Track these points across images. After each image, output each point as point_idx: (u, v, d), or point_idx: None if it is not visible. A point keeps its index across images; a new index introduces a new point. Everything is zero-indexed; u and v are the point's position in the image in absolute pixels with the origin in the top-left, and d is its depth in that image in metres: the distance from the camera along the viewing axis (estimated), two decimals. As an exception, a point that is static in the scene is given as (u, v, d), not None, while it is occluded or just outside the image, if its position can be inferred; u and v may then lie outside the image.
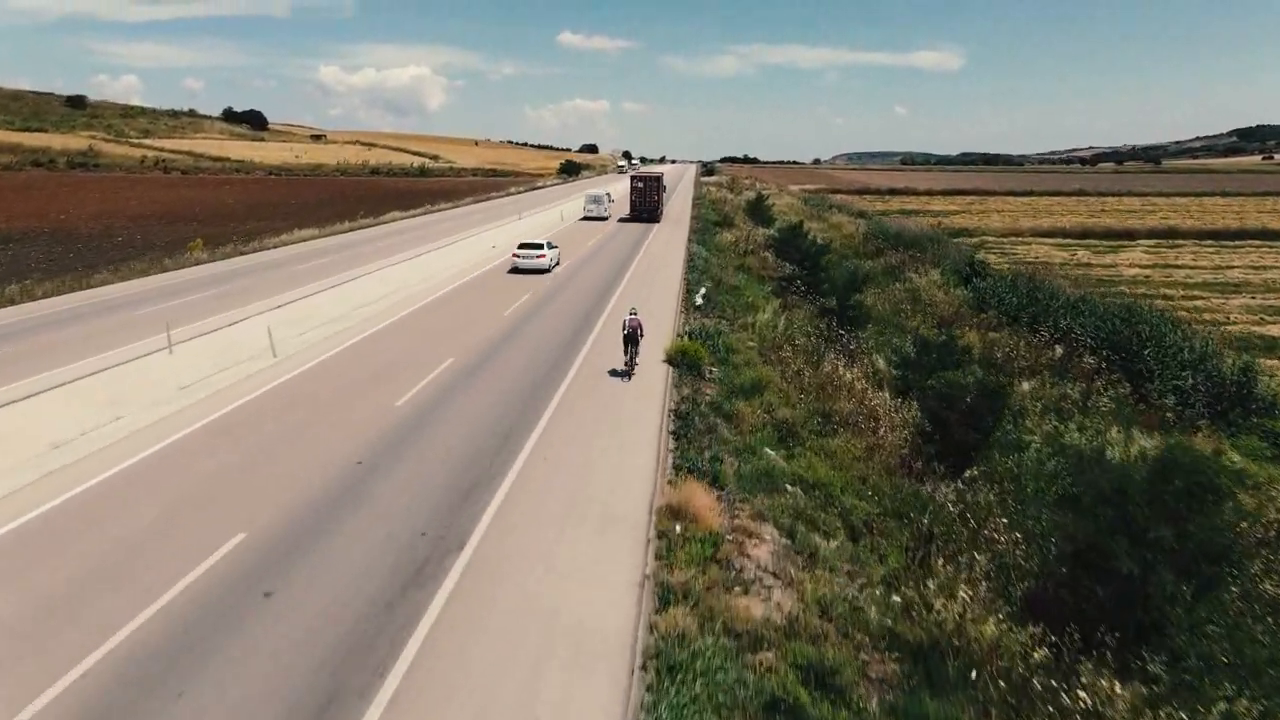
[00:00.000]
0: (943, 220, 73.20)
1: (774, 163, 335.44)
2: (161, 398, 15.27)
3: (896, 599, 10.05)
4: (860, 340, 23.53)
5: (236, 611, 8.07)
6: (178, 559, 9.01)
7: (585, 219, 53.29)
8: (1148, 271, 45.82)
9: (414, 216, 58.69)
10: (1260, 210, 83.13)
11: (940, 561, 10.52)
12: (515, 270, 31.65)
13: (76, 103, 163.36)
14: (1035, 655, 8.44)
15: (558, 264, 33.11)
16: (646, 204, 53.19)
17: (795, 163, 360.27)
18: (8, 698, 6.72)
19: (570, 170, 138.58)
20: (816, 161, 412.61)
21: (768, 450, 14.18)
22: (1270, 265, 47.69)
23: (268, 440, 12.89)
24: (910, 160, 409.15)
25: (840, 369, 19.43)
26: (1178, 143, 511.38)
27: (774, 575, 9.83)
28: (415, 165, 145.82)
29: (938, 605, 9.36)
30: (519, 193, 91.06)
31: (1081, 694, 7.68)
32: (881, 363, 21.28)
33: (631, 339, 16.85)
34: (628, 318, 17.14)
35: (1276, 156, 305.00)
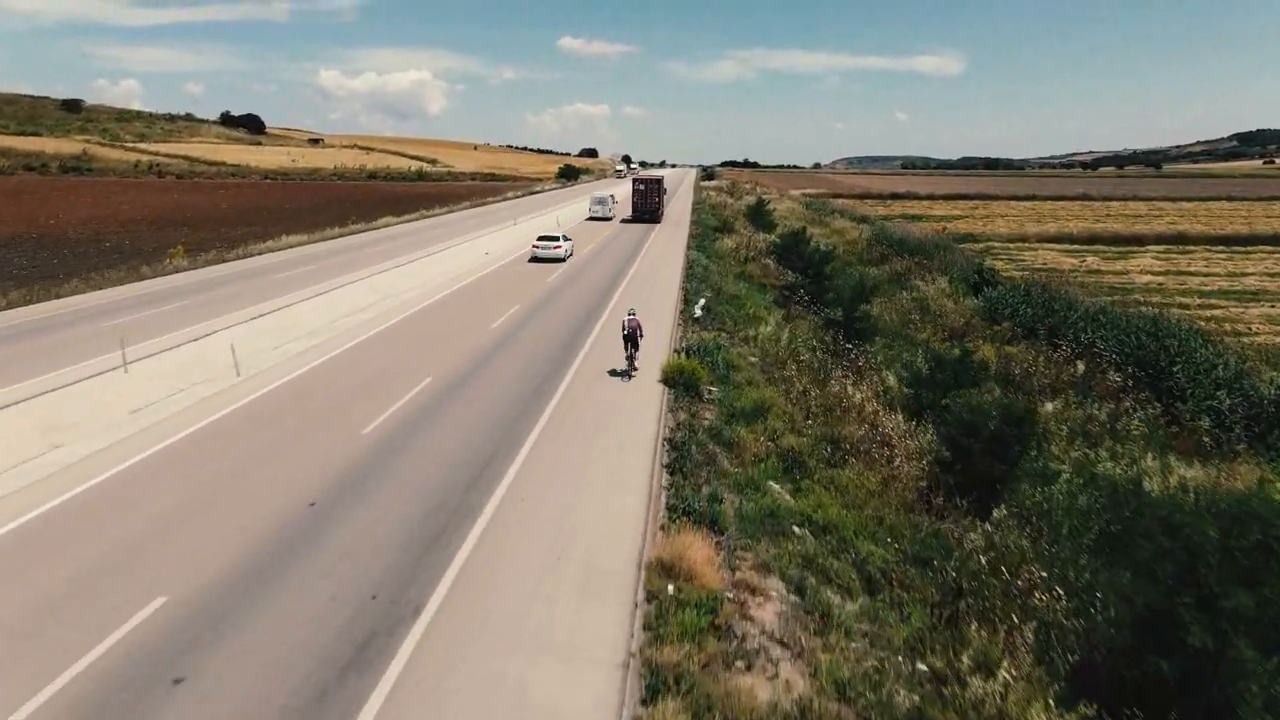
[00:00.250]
0: (947, 225, 71.88)
1: (774, 167, 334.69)
2: (109, 423, 13.94)
3: (923, 668, 8.70)
4: (868, 354, 22.18)
5: (137, 705, 6.70)
6: (79, 633, 7.64)
7: (591, 219, 55.06)
8: (1160, 278, 44.45)
9: (407, 222, 57.43)
10: (1269, 215, 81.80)
11: (974, 625, 9.14)
12: (535, 259, 35.10)
13: (72, 106, 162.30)
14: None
15: (571, 254, 36.60)
16: (648, 206, 55.60)
17: (796, 167, 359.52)
18: None
19: (569, 175, 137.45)
20: (817, 166, 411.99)
21: (772, 484, 12.82)
22: (1286, 272, 46.36)
23: (213, 476, 11.52)
24: (911, 165, 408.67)
25: (849, 388, 18.07)
26: (1178, 147, 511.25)
27: (781, 644, 8.47)
28: (413, 169, 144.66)
29: (974, 683, 7.99)
30: (516, 197, 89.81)
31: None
32: (892, 380, 19.93)
33: (631, 339, 17.14)
34: (627, 318, 17.31)
35: (1277, 161, 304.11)
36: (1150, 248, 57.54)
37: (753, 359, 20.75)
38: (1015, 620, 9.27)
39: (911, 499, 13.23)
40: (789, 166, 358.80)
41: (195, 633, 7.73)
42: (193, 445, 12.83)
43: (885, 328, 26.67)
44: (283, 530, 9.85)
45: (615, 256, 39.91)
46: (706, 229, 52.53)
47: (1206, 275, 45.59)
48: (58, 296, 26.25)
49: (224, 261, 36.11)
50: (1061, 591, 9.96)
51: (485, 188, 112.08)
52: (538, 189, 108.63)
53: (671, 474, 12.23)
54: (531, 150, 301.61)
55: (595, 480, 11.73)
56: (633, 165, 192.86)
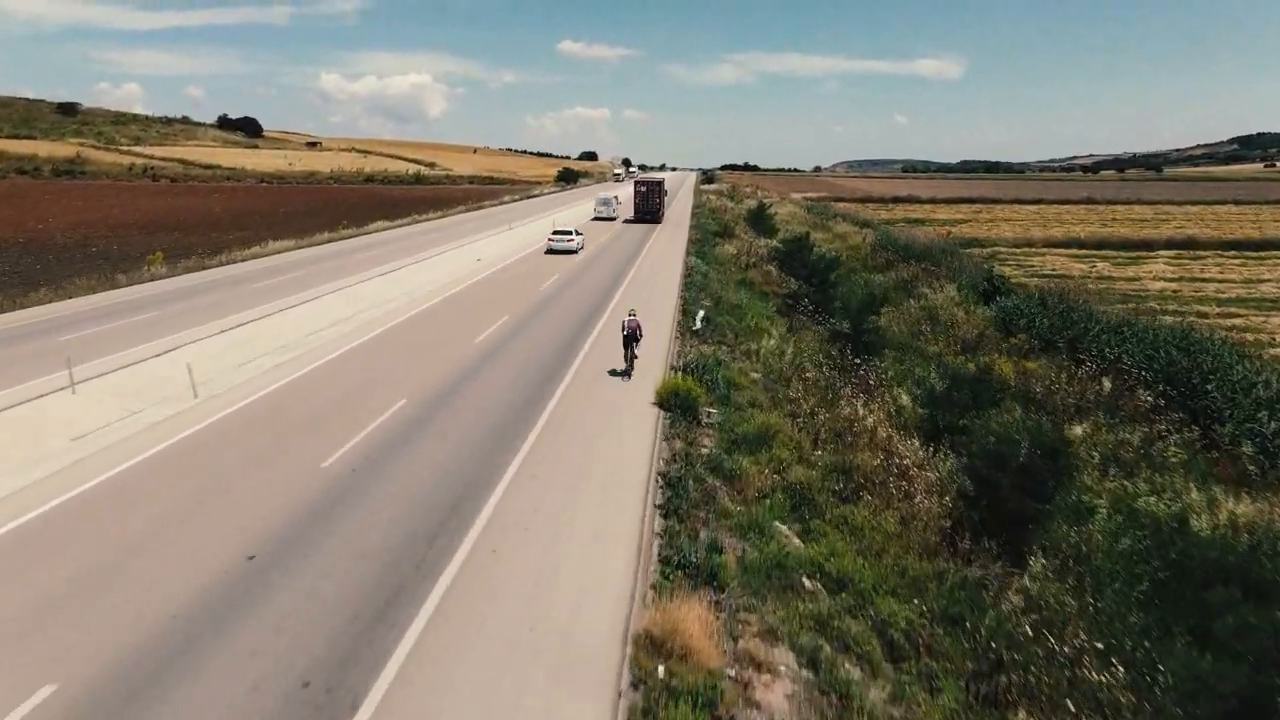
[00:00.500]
0: (951, 230, 70.57)
1: (774, 170, 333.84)
2: (47, 452, 12.57)
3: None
4: (878, 370, 20.79)
5: None
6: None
7: (596, 219, 57.22)
8: (1174, 285, 43.08)
9: (400, 226, 56.14)
10: (1277, 220, 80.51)
11: (1019, 710, 7.75)
12: (550, 252, 38.59)
13: (67, 109, 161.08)
14: None
15: (582, 247, 40.03)
16: (649, 206, 58.17)
17: (796, 170, 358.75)
18: None
19: (568, 178, 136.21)
20: (817, 169, 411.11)
21: (779, 526, 11.44)
22: (1302, 279, 44.99)
23: (141, 526, 10.12)
24: (911, 168, 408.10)
25: (859, 409, 16.68)
26: (1178, 150, 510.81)
27: (794, 740, 7.09)
28: (410, 173, 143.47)
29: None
30: (513, 201, 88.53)
31: None
32: (905, 399, 18.55)
33: (631, 339, 17.23)
34: (627, 319, 17.40)
35: (1278, 164, 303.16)
36: (1160, 253, 56.20)
37: (755, 375, 19.39)
38: (1067, 703, 7.86)
39: (934, 541, 11.83)
40: (789, 170, 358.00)
41: (82, 737, 6.35)
42: (134, 479, 11.46)
43: (894, 340, 25.29)
44: (210, 594, 8.45)
45: (616, 257, 38.67)
46: (706, 233, 51.21)
47: (1222, 282, 44.23)
48: (22, 306, 24.90)
49: (205, 269, 34.77)
50: (1116, 663, 8.56)
51: (483, 191, 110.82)
52: (536, 192, 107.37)
53: (665, 517, 10.85)
54: (531, 154, 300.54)
55: (578, 526, 10.34)
56: (631, 169, 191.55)
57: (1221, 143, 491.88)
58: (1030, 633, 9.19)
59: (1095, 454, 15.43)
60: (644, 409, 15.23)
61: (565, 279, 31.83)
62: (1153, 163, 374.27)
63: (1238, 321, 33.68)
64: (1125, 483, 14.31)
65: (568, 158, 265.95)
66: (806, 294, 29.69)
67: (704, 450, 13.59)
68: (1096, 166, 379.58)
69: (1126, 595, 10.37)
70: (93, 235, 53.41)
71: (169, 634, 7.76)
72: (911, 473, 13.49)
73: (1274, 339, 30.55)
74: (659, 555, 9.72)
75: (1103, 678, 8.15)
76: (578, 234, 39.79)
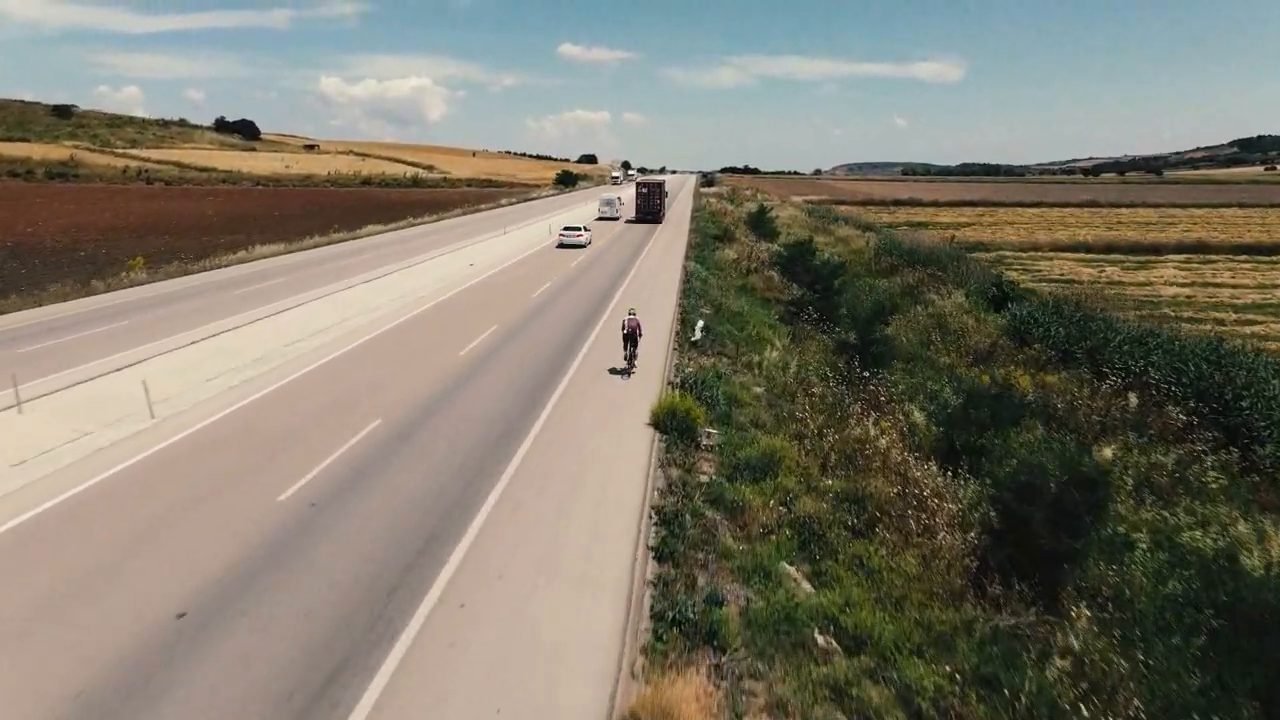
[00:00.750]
0: (955, 233, 69.40)
1: (774, 173, 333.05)
2: (-20, 481, 11.38)
3: None
4: (888, 383, 19.60)
5: None
6: None
7: (600, 219, 59.20)
8: (1187, 290, 41.89)
9: (393, 230, 54.99)
10: (1286, 223, 79.38)
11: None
12: (561, 246, 41.98)
13: (63, 112, 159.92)
14: None
15: (590, 242, 43.32)
16: (650, 207, 60.16)
17: (796, 173, 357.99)
18: None
19: (567, 181, 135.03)
20: (817, 172, 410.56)
21: (786, 568, 10.24)
22: (1318, 284, 43.80)
23: (68, 573, 8.92)
24: (911, 171, 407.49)
25: (870, 428, 15.48)
26: (1178, 153, 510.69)
27: None
28: (408, 176, 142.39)
29: None
30: (510, 204, 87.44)
31: None
32: (919, 416, 17.35)
33: (631, 338, 17.46)
34: (627, 318, 17.59)
35: (1279, 167, 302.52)
36: (1170, 257, 55.02)
37: (758, 389, 18.21)
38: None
39: (959, 584, 10.63)
40: (789, 172, 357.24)
41: None
42: (53, 524, 10.19)
43: (903, 350, 24.09)
44: (126, 665, 7.25)
45: (615, 259, 37.54)
46: (706, 237, 50.10)
47: (1236, 287, 43.03)
48: (-11, 315, 23.76)
49: (188, 274, 33.62)
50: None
51: (481, 194, 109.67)
52: (534, 195, 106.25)
53: (660, 560, 9.65)
54: (530, 156, 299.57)
55: (561, 573, 9.14)
56: (630, 171, 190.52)
57: (1221, 145, 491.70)
58: (1076, 699, 7.99)
59: (1128, 478, 14.23)
60: (638, 430, 14.03)
61: (560, 284, 30.65)
62: (1152, 165, 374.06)
63: (1258, 329, 32.48)
64: (1165, 513, 13.12)
65: (567, 160, 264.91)
66: (810, 301, 28.52)
67: (703, 478, 12.40)
68: (1096, 169, 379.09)
69: (1182, 651, 9.17)
70: (82, 239, 52.38)
71: (71, 715, 6.56)
72: (931, 503, 12.28)
73: (1296, 348, 29.36)
74: (651, 610, 8.51)
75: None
76: (586, 230, 43.74)
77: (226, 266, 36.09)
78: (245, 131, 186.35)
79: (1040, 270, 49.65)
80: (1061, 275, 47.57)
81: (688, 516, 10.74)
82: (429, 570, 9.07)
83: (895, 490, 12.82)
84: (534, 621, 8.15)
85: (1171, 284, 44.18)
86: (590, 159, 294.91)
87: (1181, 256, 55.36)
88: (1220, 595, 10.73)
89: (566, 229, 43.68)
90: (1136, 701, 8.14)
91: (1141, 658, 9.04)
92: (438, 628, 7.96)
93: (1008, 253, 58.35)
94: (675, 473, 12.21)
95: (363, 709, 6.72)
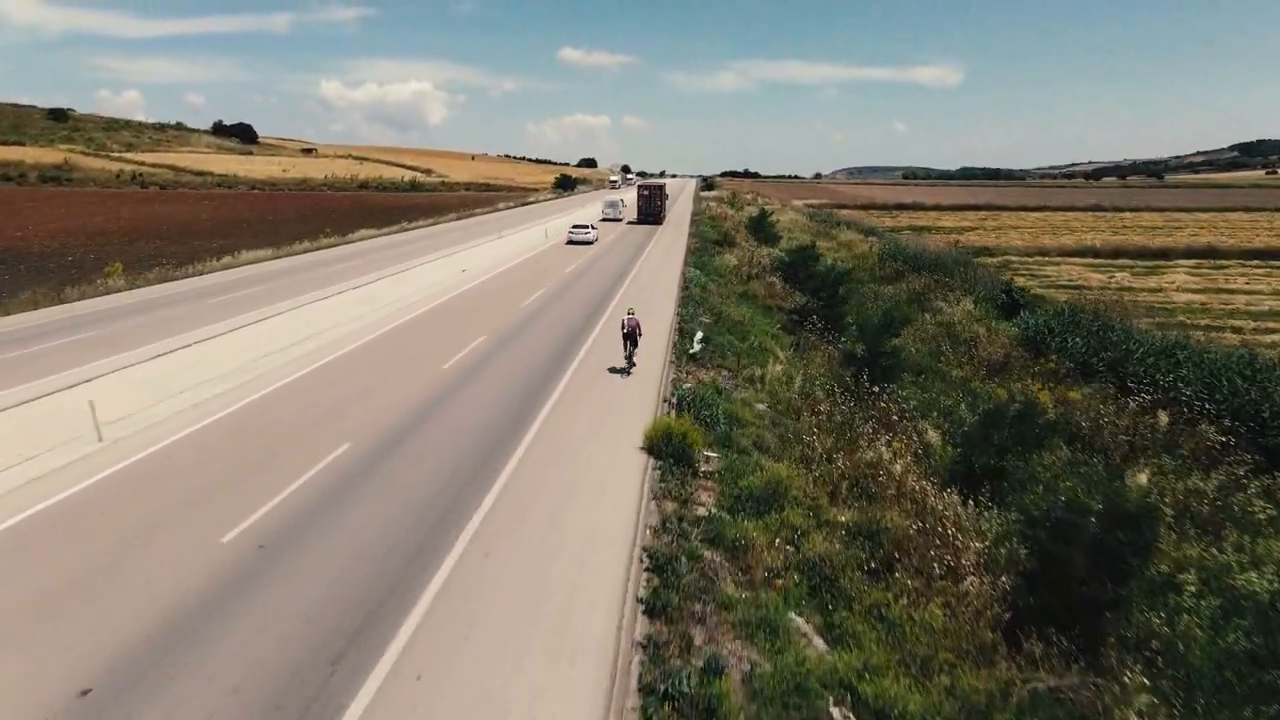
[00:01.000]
0: (959, 238, 68.28)
1: (775, 177, 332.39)
2: (-103, 517, 10.17)
3: None
4: (898, 399, 18.40)
5: None
6: None
7: (603, 219, 61.15)
8: (1201, 297, 40.68)
9: (386, 235, 53.86)
10: (1294, 227, 78.25)
11: None
12: (571, 243, 45.11)
13: (58, 115, 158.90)
14: None
15: (597, 239, 46.94)
16: (651, 209, 62.56)
17: (796, 177, 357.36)
18: None
19: (566, 185, 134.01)
20: (818, 176, 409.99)
21: (796, 620, 9.02)
22: (1335, 290, 42.60)
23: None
24: (911, 175, 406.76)
25: (883, 451, 14.28)
26: (1178, 157, 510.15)
27: None
28: (406, 180, 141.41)
29: None
30: (508, 208, 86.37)
31: None
32: (933, 435, 16.15)
33: (630, 337, 17.63)
34: (626, 318, 17.75)
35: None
36: (1180, 262, 53.85)
37: (760, 407, 17.01)
38: None
39: (990, 637, 9.40)
40: (789, 177, 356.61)
41: None
42: (-23, 563, 9.03)
43: (913, 361, 22.88)
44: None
45: (614, 262, 36.40)
46: (706, 241, 48.96)
47: (1250, 294, 41.84)
48: (-50, 325, 22.58)
49: (169, 280, 32.46)
50: None
51: (479, 198, 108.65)
52: (532, 199, 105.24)
53: (651, 615, 8.43)
54: (530, 160, 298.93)
55: (536, 636, 7.91)
56: (629, 175, 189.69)
57: (1222, 149, 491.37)
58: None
59: (1166, 508, 13.00)
60: (629, 457, 12.81)
61: (554, 291, 29.46)
62: (1153, 169, 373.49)
63: (1277, 337, 31.30)
64: (1212, 549, 11.90)
65: (567, 165, 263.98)
66: (815, 309, 27.33)
67: (701, 511, 11.19)
68: (1097, 173, 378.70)
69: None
70: (71, 243, 51.42)
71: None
72: (954, 537, 11.06)
73: (1322, 358, 28.13)
74: (640, 682, 7.30)
75: None
76: (593, 228, 47.46)
77: (210, 273, 34.96)
78: (243, 135, 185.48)
79: (1048, 275, 48.50)
80: (1070, 281, 46.40)
81: (683, 560, 9.53)
82: (385, 629, 7.86)
83: (913, 523, 11.61)
84: (502, 700, 6.92)
85: (1184, 290, 43.00)
86: (590, 163, 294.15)
87: (1191, 261, 54.19)
88: (1275, 645, 9.53)
89: (576, 227, 47.16)
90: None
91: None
92: (389, 703, 6.74)
93: (1013, 257, 57.20)
94: (670, 507, 11.00)
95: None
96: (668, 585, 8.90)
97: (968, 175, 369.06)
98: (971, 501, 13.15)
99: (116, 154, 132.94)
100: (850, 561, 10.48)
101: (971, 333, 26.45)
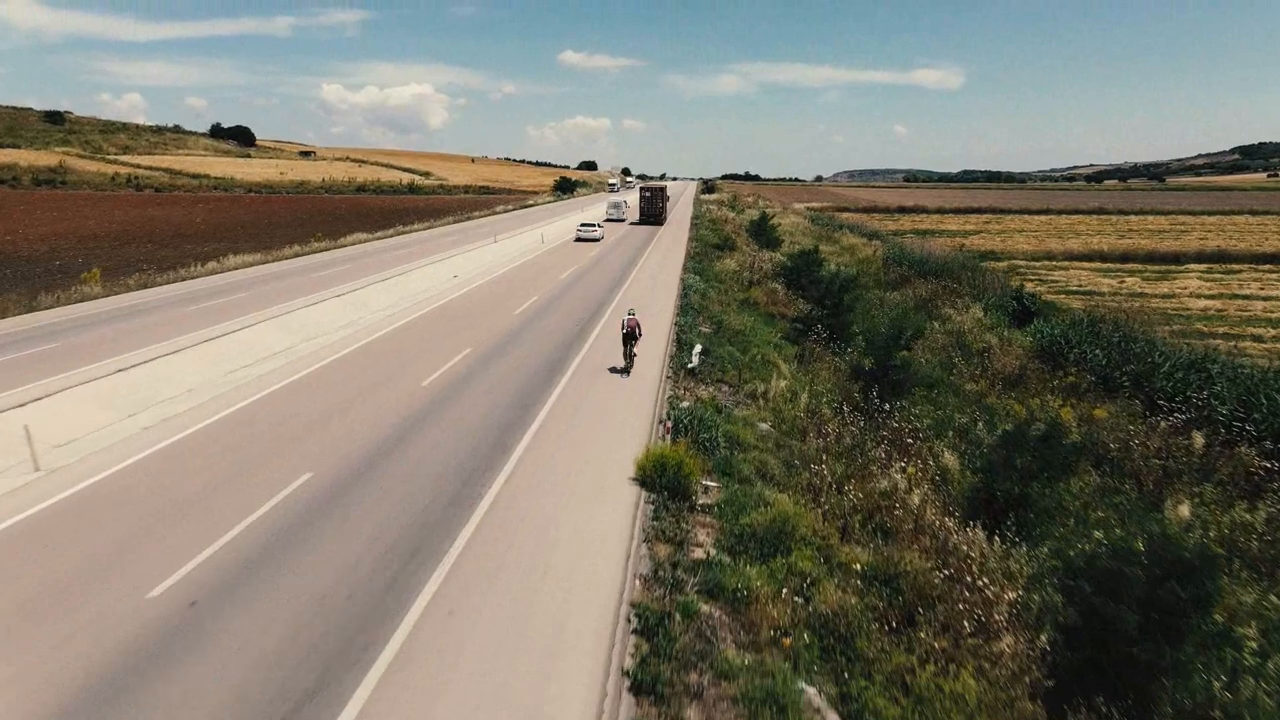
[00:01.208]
0: (963, 242, 67.13)
1: (775, 180, 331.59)
2: None
3: None
4: (911, 416, 17.19)
5: None
6: None
7: (607, 220, 63.41)
8: (1217, 303, 39.50)
9: (379, 239, 52.68)
10: (1304, 231, 77.05)
11: None
12: (579, 240, 47.74)
13: (54, 118, 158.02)
14: None
15: (603, 236, 49.56)
16: (653, 210, 64.96)
17: (797, 180, 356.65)
18: None
19: (565, 188, 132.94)
20: (819, 179, 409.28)
21: (807, 693, 7.80)
22: (1353, 296, 41.40)
23: None
24: (912, 178, 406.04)
25: (898, 479, 13.07)
26: (1180, 160, 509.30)
27: None
28: (404, 182, 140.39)
29: None
30: (506, 211, 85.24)
31: None
32: (950, 459, 14.94)
33: (630, 337, 17.74)
34: (626, 318, 17.83)
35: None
36: (1191, 266, 52.68)
37: (763, 426, 15.81)
38: None
39: (1030, 709, 8.18)
40: (790, 179, 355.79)
41: None
42: None
43: (923, 373, 21.68)
44: None
45: (614, 265, 35.20)
46: (706, 245, 47.75)
47: (1267, 299, 40.66)
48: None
49: (150, 287, 31.30)
50: None
51: (477, 201, 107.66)
52: (531, 202, 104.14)
53: (638, 693, 7.22)
54: (529, 163, 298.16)
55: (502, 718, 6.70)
56: (629, 179, 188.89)
57: (1223, 152, 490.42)
58: None
59: (1214, 544, 11.77)
60: (619, 490, 11.60)
61: (546, 298, 28.28)
62: (1154, 172, 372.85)
63: (1301, 347, 30.08)
64: (1272, 596, 10.70)
65: (567, 168, 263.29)
66: (819, 317, 26.14)
67: (698, 553, 9.99)
68: (1099, 176, 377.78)
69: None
70: (61, 247, 50.50)
71: None
72: (983, 585, 9.83)
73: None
74: (622, 787, 6.09)
75: None
76: (599, 226, 50.54)
77: (194, 278, 33.84)
78: (241, 138, 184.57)
79: (1057, 280, 47.33)
80: (1080, 286, 45.26)
81: (677, 617, 8.33)
82: (326, 713, 6.65)
83: (934, 563, 10.39)
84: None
85: (1198, 296, 41.83)
86: (590, 166, 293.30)
87: (1203, 266, 53.03)
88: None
89: (583, 225, 50.01)
90: None
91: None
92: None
93: (1020, 262, 56.06)
94: (663, 550, 9.79)
95: None
96: (658, 652, 7.69)
97: (969, 178, 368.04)
98: (997, 536, 11.94)
99: (112, 157, 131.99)
100: (866, 611, 9.27)
101: (983, 342, 25.25)
